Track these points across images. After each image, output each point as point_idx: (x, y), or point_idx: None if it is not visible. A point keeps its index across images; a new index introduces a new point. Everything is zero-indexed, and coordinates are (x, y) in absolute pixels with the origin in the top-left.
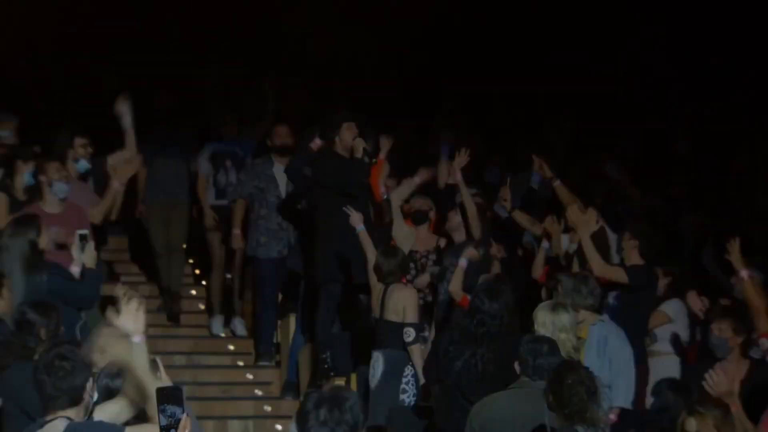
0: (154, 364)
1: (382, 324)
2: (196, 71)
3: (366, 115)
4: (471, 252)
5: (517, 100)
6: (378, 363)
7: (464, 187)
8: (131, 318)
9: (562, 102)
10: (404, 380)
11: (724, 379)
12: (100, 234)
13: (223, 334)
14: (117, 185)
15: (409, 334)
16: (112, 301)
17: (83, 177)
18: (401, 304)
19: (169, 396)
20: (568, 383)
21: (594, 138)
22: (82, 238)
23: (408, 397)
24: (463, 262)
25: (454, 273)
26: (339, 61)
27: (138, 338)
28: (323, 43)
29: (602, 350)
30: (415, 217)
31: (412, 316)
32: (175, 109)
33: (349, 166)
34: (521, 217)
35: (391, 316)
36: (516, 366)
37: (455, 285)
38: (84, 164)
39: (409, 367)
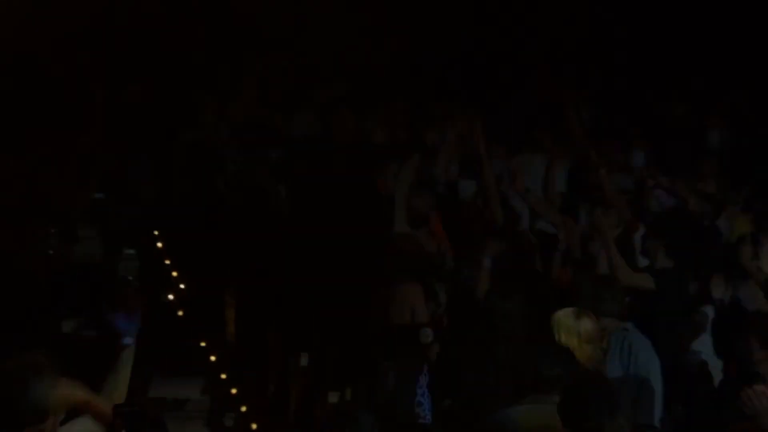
0: None
1: (388, 329)
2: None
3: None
4: (491, 248)
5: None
6: (387, 373)
7: (487, 161)
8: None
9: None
10: (419, 391)
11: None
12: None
13: None
14: None
15: (428, 334)
16: None
17: None
18: (408, 303)
19: (130, 417)
20: (584, 397)
21: (616, 127)
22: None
23: (423, 410)
24: (486, 262)
25: (480, 277)
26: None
27: (129, 340)
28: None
29: (626, 361)
30: (410, 221)
31: (422, 315)
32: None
33: None
34: (538, 203)
35: (399, 317)
36: (530, 378)
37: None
38: None
39: (424, 375)
